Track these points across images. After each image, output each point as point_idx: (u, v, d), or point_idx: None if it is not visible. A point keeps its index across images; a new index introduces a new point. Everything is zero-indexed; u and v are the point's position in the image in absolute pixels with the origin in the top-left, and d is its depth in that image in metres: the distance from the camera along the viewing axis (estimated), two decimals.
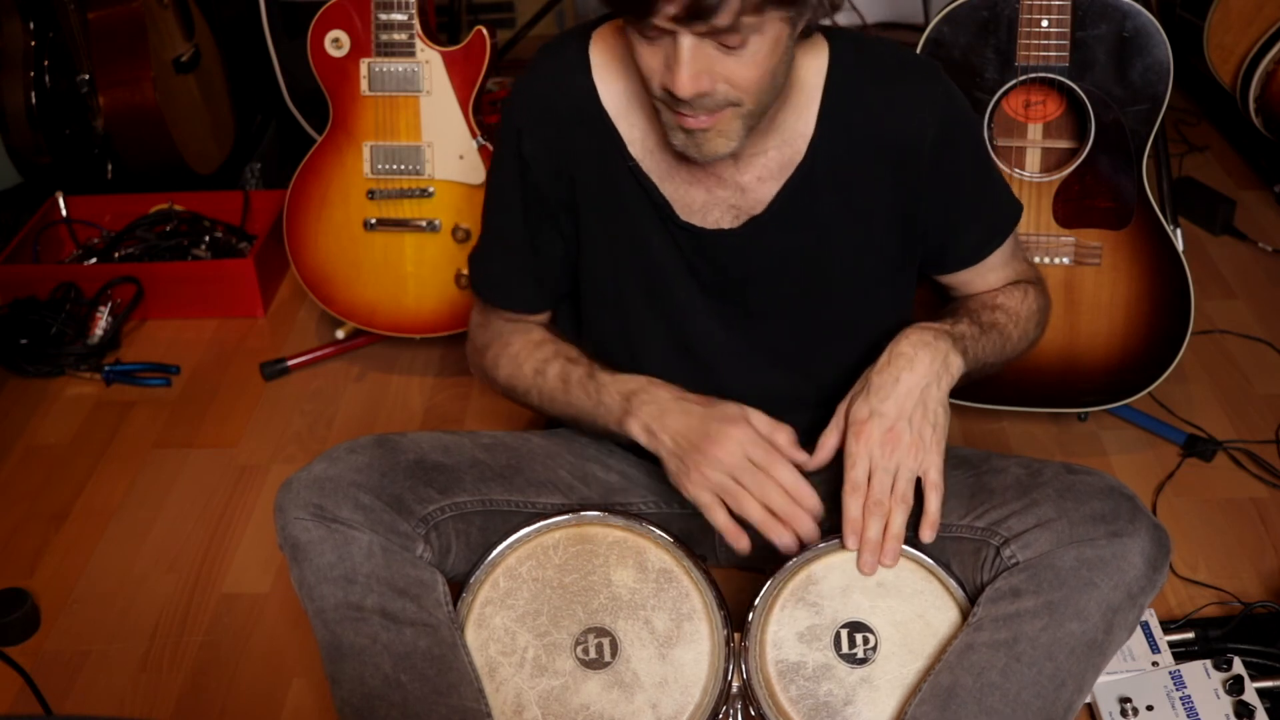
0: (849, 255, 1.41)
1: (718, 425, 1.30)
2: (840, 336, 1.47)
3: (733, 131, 1.23)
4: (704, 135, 1.23)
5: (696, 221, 1.37)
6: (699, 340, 1.44)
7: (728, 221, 1.37)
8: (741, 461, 1.29)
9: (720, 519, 1.30)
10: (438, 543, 1.37)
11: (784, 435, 1.32)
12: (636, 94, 1.35)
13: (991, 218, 1.47)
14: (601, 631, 1.32)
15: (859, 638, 1.30)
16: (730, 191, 1.36)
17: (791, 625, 1.31)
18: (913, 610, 1.31)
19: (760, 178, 1.35)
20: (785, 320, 1.44)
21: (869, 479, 1.30)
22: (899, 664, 1.29)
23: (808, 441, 1.55)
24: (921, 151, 1.36)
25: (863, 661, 1.30)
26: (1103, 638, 1.26)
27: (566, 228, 1.43)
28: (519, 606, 1.33)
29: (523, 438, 1.52)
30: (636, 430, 1.34)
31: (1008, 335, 1.45)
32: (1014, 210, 1.50)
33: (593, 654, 1.31)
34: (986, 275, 1.51)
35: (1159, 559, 1.28)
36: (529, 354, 1.47)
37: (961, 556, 1.36)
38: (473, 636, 1.33)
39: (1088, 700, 1.48)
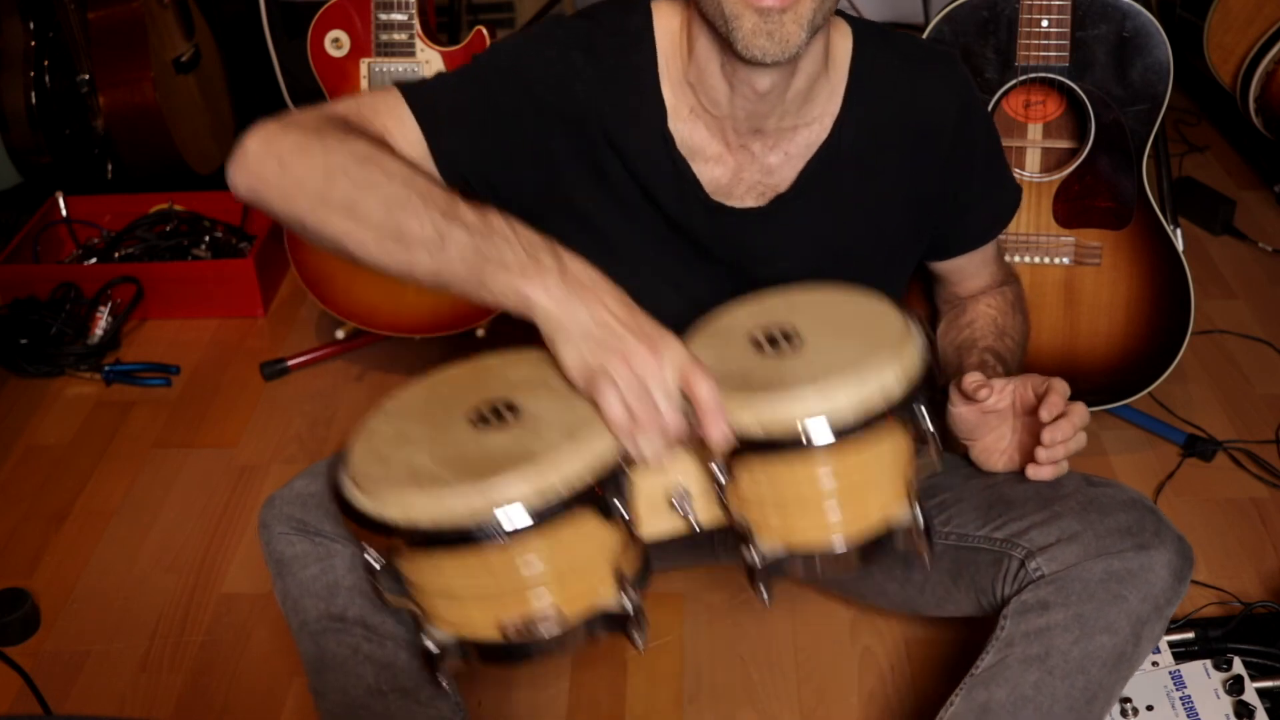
0: (864, 236, 1.41)
1: (658, 332, 1.08)
2: None
3: (804, 16, 1.19)
4: (779, 19, 1.19)
5: (723, 200, 1.37)
6: (693, 306, 1.43)
7: (752, 200, 1.37)
8: (662, 384, 1.06)
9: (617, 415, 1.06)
10: None
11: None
12: (684, 74, 1.33)
13: (998, 202, 1.51)
14: (502, 400, 1.12)
15: (781, 335, 1.16)
16: (756, 170, 1.36)
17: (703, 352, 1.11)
18: (842, 309, 1.21)
19: (788, 154, 1.36)
20: None
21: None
22: (832, 344, 1.15)
23: None
24: (942, 136, 1.38)
25: (790, 347, 1.15)
26: (1132, 650, 1.26)
27: (530, 149, 1.33)
28: (409, 414, 1.14)
29: None
30: (551, 282, 1.06)
31: (1019, 356, 1.51)
32: (1017, 195, 1.53)
33: (492, 420, 1.10)
34: (980, 270, 1.53)
35: (1184, 570, 1.28)
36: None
37: (979, 567, 1.36)
38: (359, 452, 1.11)
39: None
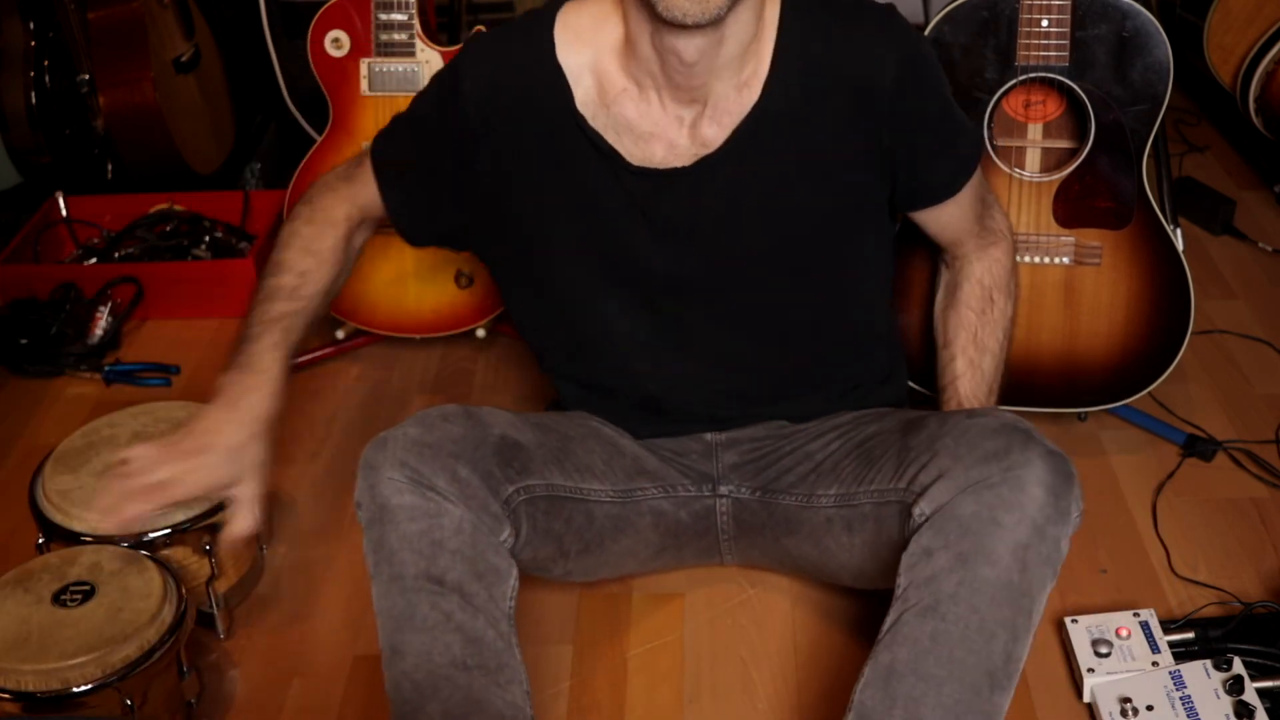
0: (807, 196, 1.41)
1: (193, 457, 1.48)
2: (810, 286, 1.47)
3: None
4: None
5: (652, 165, 1.38)
6: (659, 292, 1.44)
7: (678, 163, 1.38)
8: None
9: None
10: (514, 525, 1.36)
11: None
12: (596, 62, 1.37)
13: (959, 150, 1.50)
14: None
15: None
16: (693, 143, 1.37)
17: None
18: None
19: (721, 124, 1.37)
20: (750, 267, 1.44)
21: None
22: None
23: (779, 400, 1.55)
24: (882, 90, 1.37)
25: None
26: (1018, 578, 1.24)
27: (475, 166, 1.44)
28: None
29: (553, 418, 1.52)
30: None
31: (1008, 344, 1.58)
32: (978, 140, 1.56)
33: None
34: (959, 220, 1.54)
35: (1060, 486, 1.26)
36: (297, 253, 1.52)
37: (893, 522, 1.36)
38: None
39: (1088, 700, 1.49)
